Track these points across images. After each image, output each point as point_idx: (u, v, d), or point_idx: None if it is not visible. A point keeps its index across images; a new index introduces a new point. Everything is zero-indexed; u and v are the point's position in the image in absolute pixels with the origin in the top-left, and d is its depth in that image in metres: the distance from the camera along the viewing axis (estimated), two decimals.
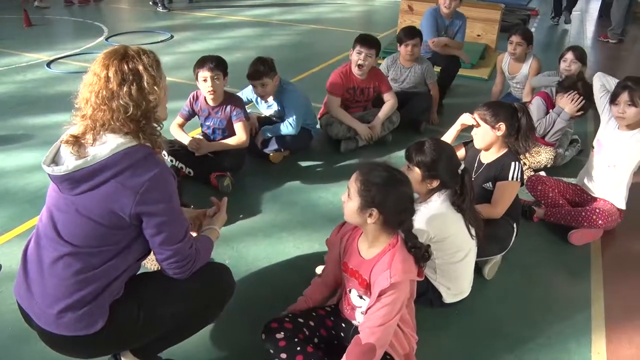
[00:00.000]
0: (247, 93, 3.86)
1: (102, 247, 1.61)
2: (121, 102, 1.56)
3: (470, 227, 2.23)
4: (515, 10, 10.30)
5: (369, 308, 1.79)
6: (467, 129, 2.83)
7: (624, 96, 2.84)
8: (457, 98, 5.35)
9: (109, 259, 1.63)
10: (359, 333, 1.95)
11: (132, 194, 1.54)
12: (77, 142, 1.59)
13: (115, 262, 1.64)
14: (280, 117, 3.81)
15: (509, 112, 2.61)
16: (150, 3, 9.76)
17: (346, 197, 1.83)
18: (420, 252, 1.82)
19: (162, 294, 1.78)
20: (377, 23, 9.49)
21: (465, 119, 2.81)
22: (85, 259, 1.60)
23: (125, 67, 1.57)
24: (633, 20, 9.94)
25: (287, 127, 3.68)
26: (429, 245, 1.86)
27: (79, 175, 1.54)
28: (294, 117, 3.67)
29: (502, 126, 2.60)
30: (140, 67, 1.59)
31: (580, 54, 3.93)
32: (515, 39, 4.40)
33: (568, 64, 3.93)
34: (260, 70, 3.54)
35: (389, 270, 1.75)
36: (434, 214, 2.19)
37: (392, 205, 1.76)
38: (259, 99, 3.80)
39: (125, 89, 1.56)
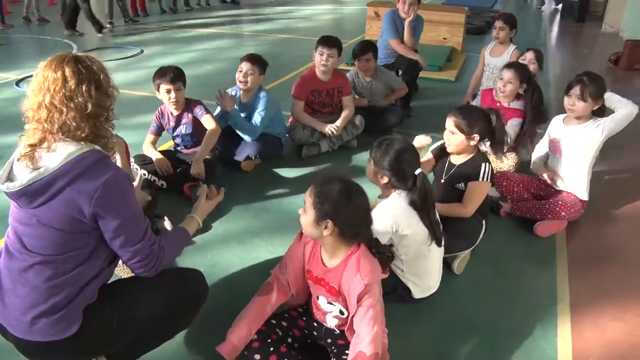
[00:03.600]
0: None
1: (69, 252, 1.63)
2: (80, 99, 1.59)
3: (428, 228, 2.30)
4: (480, 13, 10.55)
5: (353, 316, 1.83)
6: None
7: (576, 90, 2.96)
8: (425, 100, 5.48)
9: (79, 263, 1.65)
10: (333, 331, 2.01)
11: (87, 199, 1.56)
12: (32, 153, 1.60)
13: (86, 267, 1.67)
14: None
15: (484, 122, 2.69)
16: (108, 24, 9.64)
17: (302, 210, 1.88)
18: (384, 256, 1.89)
19: (135, 298, 1.81)
20: (345, 31, 9.60)
21: (421, 140, 2.96)
22: (55, 266, 1.62)
23: (80, 67, 1.61)
24: (589, 18, 10.45)
25: (253, 130, 3.75)
26: (391, 245, 1.92)
27: (35, 188, 1.56)
28: (260, 121, 3.76)
29: (477, 137, 2.69)
30: (95, 68, 1.65)
31: (538, 56, 4.07)
32: (498, 23, 4.72)
33: (527, 63, 4.07)
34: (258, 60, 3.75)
35: (359, 274, 1.80)
36: (393, 208, 2.27)
37: (347, 217, 1.80)
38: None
39: (84, 87, 1.60)
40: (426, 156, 2.99)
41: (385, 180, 2.29)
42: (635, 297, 2.60)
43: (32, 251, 1.62)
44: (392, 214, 2.24)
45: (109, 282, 1.85)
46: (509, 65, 3.77)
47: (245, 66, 3.72)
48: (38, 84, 1.62)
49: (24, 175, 1.57)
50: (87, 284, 1.68)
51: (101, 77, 1.65)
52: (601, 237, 3.14)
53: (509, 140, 3.73)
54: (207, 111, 3.54)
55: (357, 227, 1.85)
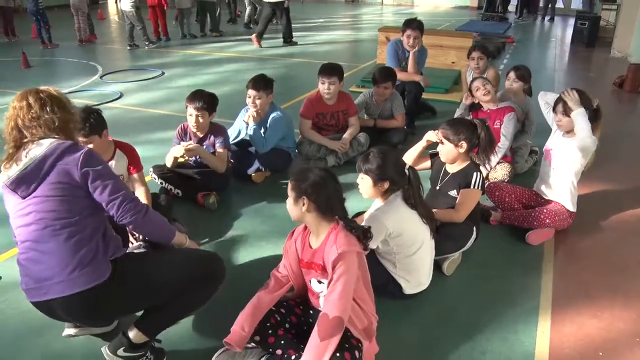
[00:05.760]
0: (238, 123, 4.23)
1: (74, 215, 1.99)
2: (46, 117, 2.03)
3: (423, 219, 2.53)
4: (491, 38, 10.80)
5: (329, 282, 2.05)
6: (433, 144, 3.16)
7: (559, 107, 3.19)
8: (433, 120, 5.72)
9: (86, 221, 2.01)
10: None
11: (74, 165, 1.99)
12: (14, 157, 2.01)
13: (93, 224, 2.04)
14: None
15: (469, 130, 2.93)
16: (128, 47, 10.23)
17: (287, 200, 2.17)
18: (359, 231, 2.12)
19: (161, 260, 2.22)
20: (359, 55, 9.93)
21: (430, 136, 3.12)
22: (68, 230, 1.97)
23: (41, 95, 2.06)
24: (599, 44, 10.69)
25: (263, 144, 4.02)
26: (369, 227, 2.15)
27: (30, 170, 1.96)
28: (270, 138, 4.03)
29: (464, 144, 2.92)
30: (53, 92, 2.10)
31: (521, 74, 4.29)
32: (475, 54, 4.86)
33: (510, 82, 4.32)
34: (262, 83, 3.97)
35: (335, 244, 2.05)
36: (391, 211, 2.49)
37: (320, 193, 2.08)
38: (246, 126, 4.11)
39: (48, 108, 2.03)
40: (423, 158, 3.25)
41: (387, 185, 2.50)
42: (614, 299, 2.77)
43: (45, 226, 1.96)
44: (390, 216, 2.46)
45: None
46: (472, 81, 4.16)
47: (251, 92, 3.98)
48: (9, 114, 2.05)
49: (15, 168, 1.97)
50: (103, 237, 2.04)
51: (61, 98, 2.10)
52: (587, 246, 3.31)
53: (508, 138, 3.99)
54: (225, 147, 3.78)
55: (330, 201, 2.11)
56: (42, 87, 2.11)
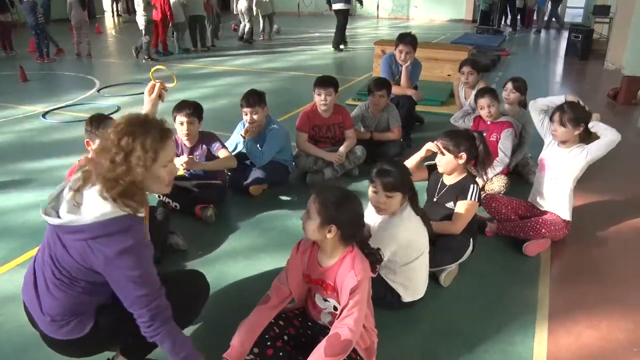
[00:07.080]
0: (234, 137, 4.26)
1: (82, 278, 1.84)
2: (106, 161, 1.74)
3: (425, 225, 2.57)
4: (486, 52, 10.90)
5: (344, 307, 2.04)
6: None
7: (556, 116, 3.22)
8: (426, 132, 5.74)
9: (89, 290, 1.87)
10: (326, 329, 2.22)
11: (103, 260, 1.73)
12: (78, 189, 1.80)
13: (98, 297, 1.93)
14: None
15: (469, 142, 2.96)
16: (134, 52, 10.36)
17: (306, 217, 2.11)
18: (374, 257, 2.13)
19: None
20: (354, 68, 10.00)
21: (430, 146, 3.14)
22: (72, 290, 1.86)
23: (125, 137, 1.74)
24: (592, 56, 10.77)
25: (260, 157, 4.04)
26: (378, 249, 2.16)
27: (66, 229, 1.77)
28: (267, 151, 4.05)
29: (464, 155, 2.95)
30: (137, 144, 1.74)
31: (518, 86, 4.35)
32: (466, 69, 4.92)
33: (507, 93, 4.37)
34: (255, 99, 3.95)
35: (354, 270, 2.04)
36: (403, 223, 2.52)
37: (347, 221, 2.05)
38: (243, 140, 4.11)
39: (112, 151, 1.74)
40: (420, 169, 3.26)
41: (400, 196, 2.51)
42: (611, 309, 2.79)
43: (57, 267, 1.86)
44: (403, 228, 2.50)
45: None
46: (480, 94, 4.13)
47: (247, 109, 3.97)
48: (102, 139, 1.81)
49: (64, 213, 1.77)
50: (98, 296, 1.94)
51: (135, 153, 1.74)
52: (584, 256, 3.33)
53: (507, 154, 4.04)
54: (223, 146, 3.82)
55: (355, 229, 2.10)
56: (148, 124, 1.79)
